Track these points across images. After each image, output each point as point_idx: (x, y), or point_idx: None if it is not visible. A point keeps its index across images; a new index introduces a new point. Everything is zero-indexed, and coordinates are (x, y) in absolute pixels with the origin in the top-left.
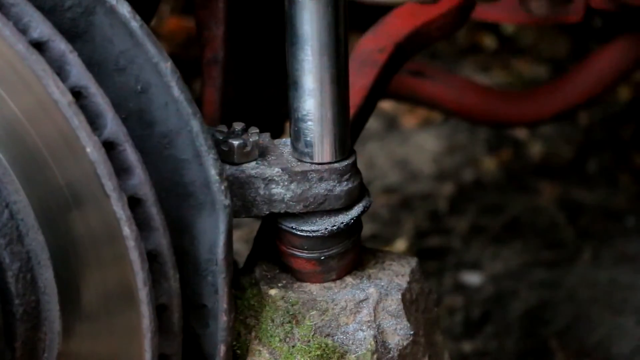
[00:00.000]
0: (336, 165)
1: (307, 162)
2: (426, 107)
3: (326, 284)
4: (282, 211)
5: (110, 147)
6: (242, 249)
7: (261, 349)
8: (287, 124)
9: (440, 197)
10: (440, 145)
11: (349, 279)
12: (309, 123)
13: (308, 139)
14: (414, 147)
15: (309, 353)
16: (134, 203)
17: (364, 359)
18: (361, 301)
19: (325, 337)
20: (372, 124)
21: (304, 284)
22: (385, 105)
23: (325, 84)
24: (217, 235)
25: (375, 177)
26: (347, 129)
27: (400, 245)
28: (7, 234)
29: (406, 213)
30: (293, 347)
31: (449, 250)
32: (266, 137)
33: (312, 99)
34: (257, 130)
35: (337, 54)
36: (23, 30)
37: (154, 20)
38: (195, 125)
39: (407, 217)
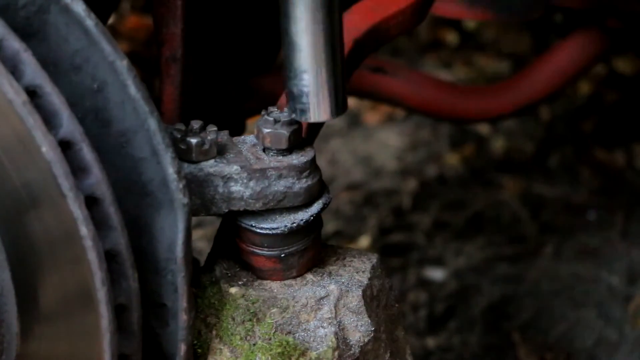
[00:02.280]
0: (295, 162)
1: (266, 159)
2: (388, 104)
3: (287, 282)
4: (242, 209)
5: (66, 146)
6: (205, 248)
7: (222, 347)
8: (247, 122)
9: (404, 193)
10: (403, 142)
11: (309, 276)
12: (305, 79)
13: (304, 95)
14: (377, 143)
15: (270, 351)
16: (91, 202)
17: (325, 355)
18: (322, 298)
19: (286, 334)
20: (335, 121)
21: (265, 282)
22: (348, 102)
23: (320, 38)
24: (175, 233)
25: (338, 174)
26: (344, 83)
27: (364, 241)
28: None
29: (370, 209)
30: (254, 345)
31: (412, 246)
32: (225, 134)
33: (308, 55)
34: (216, 128)
35: (329, 7)
36: None
37: (115, 18)
38: (153, 123)
39: (371, 213)
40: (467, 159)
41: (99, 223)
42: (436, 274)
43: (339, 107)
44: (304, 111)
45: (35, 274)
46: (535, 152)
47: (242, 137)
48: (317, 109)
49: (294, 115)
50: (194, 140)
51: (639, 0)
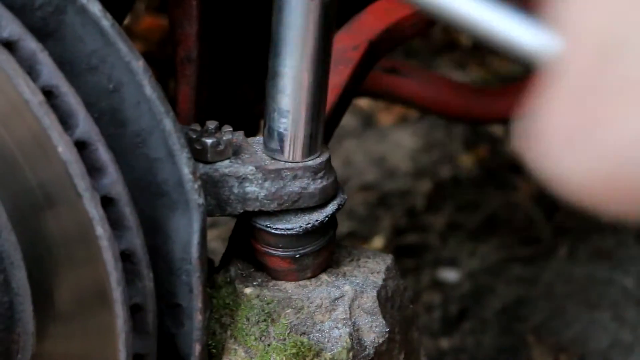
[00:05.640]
0: (310, 163)
1: (281, 160)
2: (402, 105)
3: (301, 282)
4: (257, 209)
5: (82, 146)
6: (219, 248)
7: (237, 347)
8: (262, 122)
9: (418, 194)
10: (417, 143)
11: (324, 277)
12: (284, 120)
13: (282, 136)
14: (391, 144)
15: (285, 351)
16: (107, 202)
17: (339, 356)
18: (336, 299)
19: (300, 335)
20: (349, 121)
21: (279, 282)
22: (362, 102)
23: (304, 81)
24: (191, 234)
25: (352, 175)
26: (322, 128)
27: (378, 242)
28: None
29: (383, 210)
30: (269, 345)
31: (426, 247)
32: (240, 135)
33: (289, 97)
34: (231, 129)
35: (320, 52)
36: None
37: (130, 18)
38: (168, 124)
39: (385, 214)
40: (481, 160)
41: (114, 223)
42: (450, 275)
43: (311, 152)
44: (274, 150)
45: (51, 274)
46: None
47: (257, 137)
48: (289, 152)
49: (268, 153)
50: (209, 141)
51: None
